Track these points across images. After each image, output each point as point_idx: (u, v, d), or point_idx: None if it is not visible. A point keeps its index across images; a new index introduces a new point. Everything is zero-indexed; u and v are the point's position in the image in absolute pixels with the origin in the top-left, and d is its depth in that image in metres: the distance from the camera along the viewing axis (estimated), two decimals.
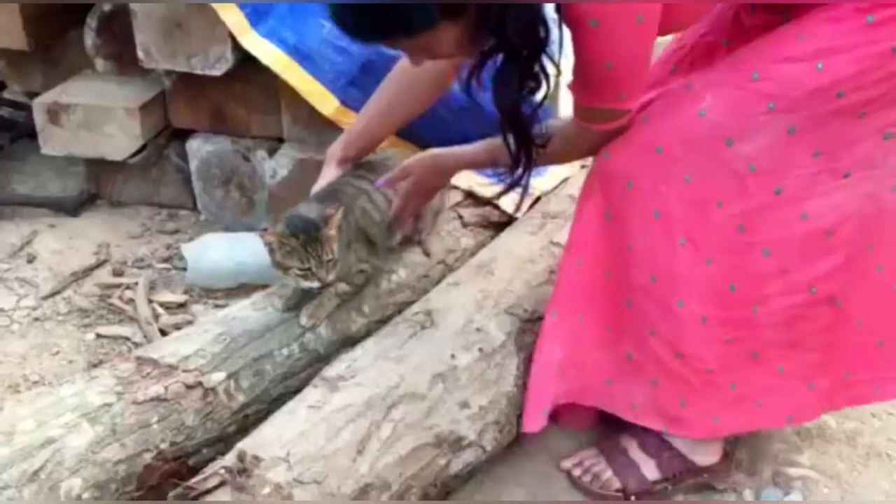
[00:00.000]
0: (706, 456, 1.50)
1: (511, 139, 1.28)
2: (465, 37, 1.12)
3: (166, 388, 1.35)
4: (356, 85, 1.97)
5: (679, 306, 1.32)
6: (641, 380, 1.41)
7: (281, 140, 2.16)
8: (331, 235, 1.43)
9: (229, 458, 1.18)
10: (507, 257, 1.74)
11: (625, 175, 1.32)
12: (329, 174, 1.65)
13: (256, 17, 1.96)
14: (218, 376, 1.40)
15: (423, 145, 2.07)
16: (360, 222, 1.58)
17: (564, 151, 1.44)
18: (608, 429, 1.57)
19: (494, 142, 1.39)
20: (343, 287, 1.55)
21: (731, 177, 1.25)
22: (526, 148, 1.29)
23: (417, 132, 2.05)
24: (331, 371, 1.39)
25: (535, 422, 1.45)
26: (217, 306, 1.93)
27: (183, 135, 2.26)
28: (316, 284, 1.44)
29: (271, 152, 2.15)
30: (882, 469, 1.58)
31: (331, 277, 1.44)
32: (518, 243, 1.82)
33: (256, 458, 1.17)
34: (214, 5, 1.90)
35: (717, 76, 1.27)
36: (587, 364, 1.46)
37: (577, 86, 1.26)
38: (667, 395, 1.40)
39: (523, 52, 1.15)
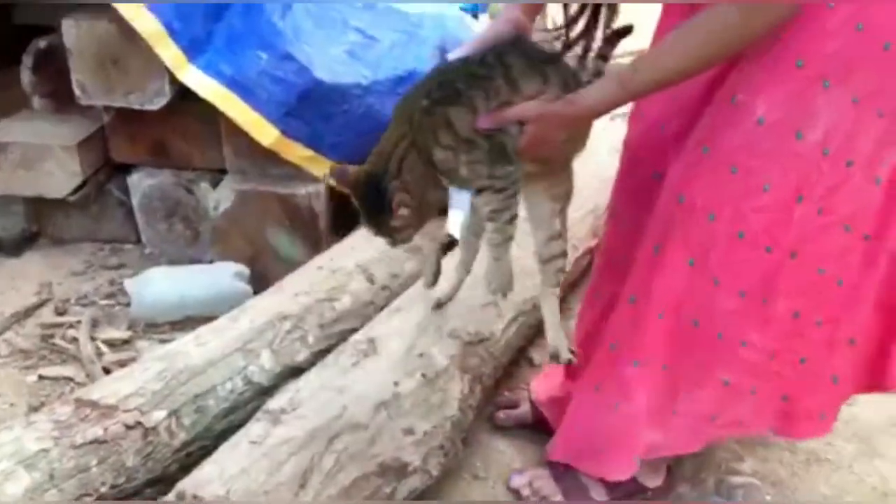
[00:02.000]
0: (653, 478, 1.51)
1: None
2: None
3: (105, 429, 1.33)
4: (295, 115, 1.99)
5: (764, 303, 1.28)
6: (742, 396, 1.36)
7: (223, 171, 2.16)
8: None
9: (170, 499, 1.18)
10: (449, 282, 1.76)
11: (706, 209, 1.25)
12: (496, 27, 1.36)
13: (193, 50, 1.96)
14: (158, 415, 1.39)
15: (344, 161, 2.11)
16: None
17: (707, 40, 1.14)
18: None
19: (614, 69, 1.20)
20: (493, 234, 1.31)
21: (808, 168, 1.20)
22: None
23: (356, 157, 2.06)
24: (273, 404, 1.39)
25: (625, 468, 1.44)
26: (163, 341, 1.92)
27: (124, 169, 2.25)
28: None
29: (214, 184, 2.15)
30: (822, 473, 1.62)
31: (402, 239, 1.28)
32: None
33: (196, 498, 1.17)
34: (149, 41, 1.90)
35: (759, 78, 1.20)
36: (680, 411, 1.39)
37: None
38: (769, 397, 1.36)
39: None
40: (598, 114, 1.20)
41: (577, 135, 1.29)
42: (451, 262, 1.64)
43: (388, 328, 1.59)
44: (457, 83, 1.20)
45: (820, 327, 1.29)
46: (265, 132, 1.97)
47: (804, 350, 1.31)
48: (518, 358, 1.89)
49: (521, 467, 1.61)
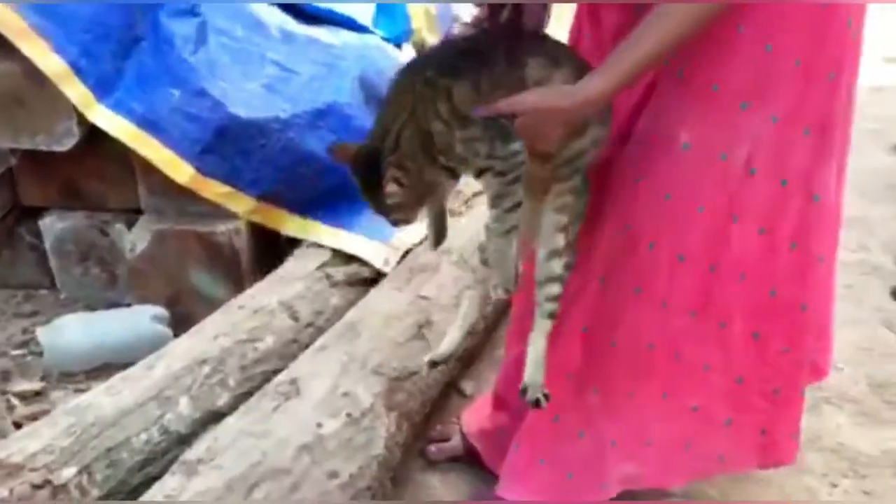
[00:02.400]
0: None
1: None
2: None
3: (11, 490, 1.26)
4: (211, 151, 1.94)
5: (722, 326, 1.28)
6: (716, 426, 1.35)
7: (139, 211, 2.09)
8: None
9: None
10: (374, 316, 1.73)
11: (646, 238, 1.27)
12: None
13: (102, 89, 1.92)
14: (68, 472, 1.32)
15: (285, 206, 2.08)
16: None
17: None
18: (485, 484, 1.56)
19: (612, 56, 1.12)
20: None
21: (737, 188, 1.21)
22: None
23: (277, 193, 2.03)
24: (190, 454, 1.34)
25: (594, 495, 1.41)
26: (78, 391, 1.84)
27: (35, 212, 2.17)
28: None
29: (129, 224, 2.09)
30: (752, 492, 1.63)
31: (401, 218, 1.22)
32: (385, 300, 1.81)
33: None
34: (55, 81, 1.84)
35: (679, 106, 1.22)
36: (654, 441, 1.38)
37: None
38: (748, 431, 1.35)
39: None
40: (596, 106, 1.13)
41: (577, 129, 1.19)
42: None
43: (311, 368, 1.55)
44: (463, 59, 1.15)
45: (787, 354, 1.31)
46: (180, 170, 1.92)
47: (776, 379, 1.32)
48: (448, 390, 1.86)
49: None
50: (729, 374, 1.31)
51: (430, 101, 1.14)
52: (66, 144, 1.94)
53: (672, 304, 1.27)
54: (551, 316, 1.27)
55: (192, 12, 1.98)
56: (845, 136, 1.29)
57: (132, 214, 2.11)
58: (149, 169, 1.96)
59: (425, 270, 1.93)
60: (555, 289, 1.26)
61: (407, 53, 2.53)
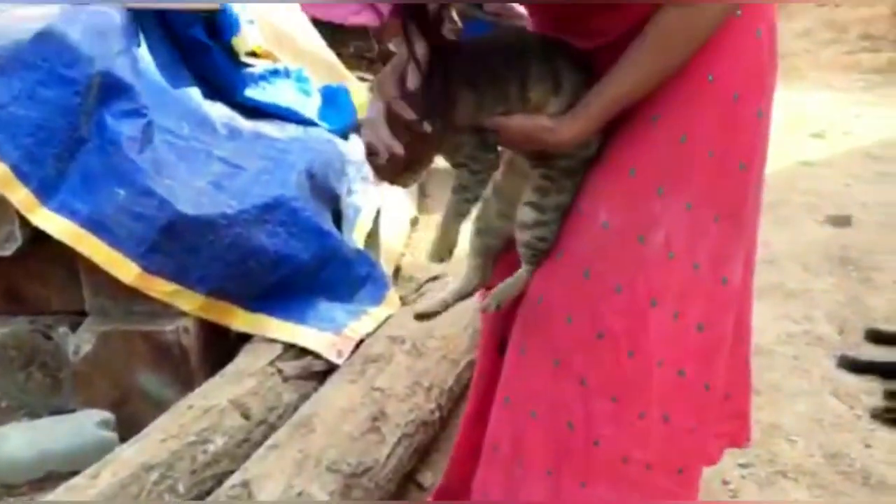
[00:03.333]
0: None
1: (413, 32, 1.15)
2: None
3: None
4: (158, 249, 1.93)
5: (642, 418, 1.27)
6: None
7: (83, 313, 2.05)
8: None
9: None
10: (328, 410, 1.71)
11: (563, 311, 1.26)
12: None
13: (45, 192, 1.90)
14: None
15: (234, 302, 2.06)
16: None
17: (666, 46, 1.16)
18: None
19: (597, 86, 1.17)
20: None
21: (655, 271, 1.23)
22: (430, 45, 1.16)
23: (226, 289, 2.02)
24: None
25: None
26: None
27: None
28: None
29: (74, 327, 2.04)
30: None
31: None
32: (339, 393, 1.79)
33: None
34: None
35: (600, 186, 1.25)
36: None
37: None
38: None
39: None
40: (575, 144, 1.21)
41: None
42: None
43: (264, 468, 1.52)
44: (485, 73, 1.19)
45: (693, 433, 1.30)
46: (125, 270, 1.90)
47: (679, 460, 1.31)
48: (406, 483, 1.83)
49: None
50: (643, 464, 1.29)
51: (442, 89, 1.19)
52: (9, 249, 1.90)
53: (592, 384, 1.26)
54: (532, 265, 1.31)
55: (138, 113, 1.99)
56: (754, 223, 1.34)
57: (76, 316, 2.06)
58: (93, 270, 1.93)
59: (378, 361, 1.92)
60: (526, 254, 1.30)
61: (353, 145, 2.56)
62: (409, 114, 1.17)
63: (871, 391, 2.16)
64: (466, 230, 1.34)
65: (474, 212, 1.34)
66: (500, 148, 1.26)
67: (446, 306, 1.41)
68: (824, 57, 5.69)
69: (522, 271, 1.32)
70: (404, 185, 1.31)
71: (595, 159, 1.25)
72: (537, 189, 1.25)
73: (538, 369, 1.29)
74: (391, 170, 1.23)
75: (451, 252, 1.31)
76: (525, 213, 1.27)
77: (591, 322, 1.25)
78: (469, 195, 1.27)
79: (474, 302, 2.04)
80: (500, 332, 1.43)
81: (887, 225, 3.16)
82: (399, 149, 1.18)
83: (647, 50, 1.14)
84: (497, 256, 1.40)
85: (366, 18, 1.14)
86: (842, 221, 3.19)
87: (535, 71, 1.19)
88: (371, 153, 1.20)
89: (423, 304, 1.44)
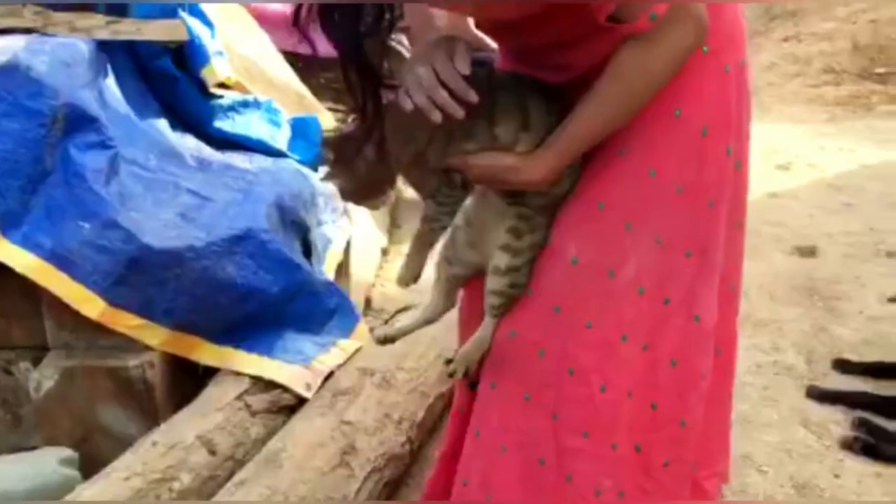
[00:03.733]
0: None
1: (356, 83, 1.13)
2: None
3: None
4: (123, 283, 1.90)
5: (614, 449, 1.26)
6: None
7: (46, 348, 2.01)
8: None
9: None
10: (297, 445, 1.69)
11: (536, 345, 1.26)
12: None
13: (8, 225, 1.87)
14: None
15: (201, 335, 2.03)
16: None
17: (630, 88, 1.14)
18: None
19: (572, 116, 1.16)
20: None
21: (625, 306, 1.22)
22: (374, 93, 1.14)
23: (192, 322, 1.99)
24: None
25: None
26: None
27: None
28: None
29: (36, 362, 1.99)
30: None
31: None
32: (308, 427, 1.77)
33: None
34: None
35: (569, 220, 1.25)
36: None
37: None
38: None
39: None
40: (544, 183, 1.19)
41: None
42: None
43: None
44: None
45: (668, 468, 1.29)
46: (90, 304, 1.87)
47: (657, 494, 1.30)
48: None
49: None
50: (615, 492, 1.28)
51: (407, 126, 1.19)
52: None
53: (563, 419, 1.25)
54: (496, 317, 1.30)
55: (104, 144, 1.97)
56: (733, 260, 1.33)
57: (38, 351, 2.02)
58: (57, 304, 1.89)
59: (348, 393, 1.90)
60: (495, 301, 1.28)
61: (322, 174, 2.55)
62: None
63: (839, 421, 2.17)
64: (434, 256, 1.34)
65: (442, 239, 1.34)
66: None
67: (409, 331, 1.40)
68: (789, 90, 5.79)
69: (487, 325, 1.30)
70: (373, 207, 1.32)
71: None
72: (511, 230, 1.25)
73: (509, 403, 1.28)
74: (356, 189, 1.25)
75: (417, 277, 1.31)
76: (499, 258, 1.25)
77: (562, 357, 1.24)
78: (437, 225, 1.27)
79: (442, 332, 2.04)
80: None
81: (851, 255, 3.20)
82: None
83: (608, 89, 1.14)
84: (463, 283, 1.39)
85: (303, 49, 1.14)
86: (808, 252, 3.23)
87: (503, 107, 1.19)
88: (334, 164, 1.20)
89: (385, 329, 1.43)
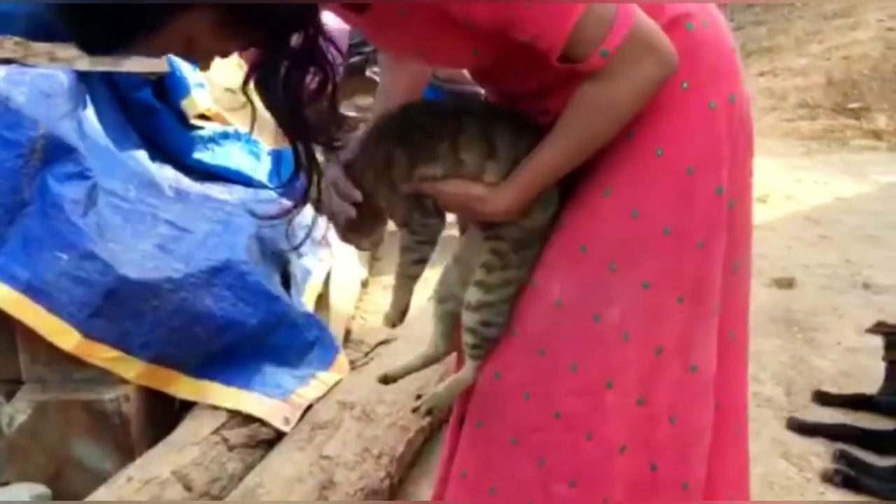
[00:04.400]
0: None
1: (300, 147, 1.11)
2: (221, 22, 0.98)
3: None
4: (100, 315, 1.88)
5: (605, 502, 1.20)
6: None
7: (20, 382, 1.97)
8: None
9: None
10: (275, 480, 1.66)
11: (521, 387, 1.21)
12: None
13: None
14: None
15: (178, 368, 2.01)
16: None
17: (593, 123, 1.11)
18: None
19: (542, 145, 1.14)
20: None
21: (610, 351, 1.17)
22: (310, 158, 1.12)
23: (170, 355, 1.96)
24: None
25: None
26: None
27: None
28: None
29: (9, 396, 1.96)
30: None
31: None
32: (286, 462, 1.75)
33: None
34: None
35: (551, 262, 1.21)
36: None
37: (541, 43, 1.05)
38: None
39: (294, 30, 1.02)
40: (510, 214, 1.17)
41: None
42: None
43: None
44: (417, 131, 1.19)
45: None
46: (66, 336, 1.84)
47: None
48: None
49: None
50: None
51: (372, 154, 1.20)
52: None
53: (550, 465, 1.21)
54: (475, 358, 1.26)
55: (83, 175, 1.95)
56: (733, 305, 1.25)
57: (12, 384, 1.98)
58: (31, 336, 1.87)
59: (327, 427, 1.88)
60: (468, 338, 1.25)
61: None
62: (345, 191, 1.18)
63: (820, 454, 2.18)
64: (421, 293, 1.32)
65: (437, 277, 1.33)
66: (448, 215, 1.24)
67: (412, 370, 1.37)
68: (765, 124, 5.88)
69: (468, 368, 1.27)
70: (366, 248, 1.32)
71: (551, 231, 1.22)
72: (484, 266, 1.23)
73: (495, 445, 1.25)
74: (351, 231, 1.24)
75: (403, 315, 1.28)
76: (471, 294, 1.23)
77: (547, 401, 1.20)
78: (414, 256, 1.24)
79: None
80: (462, 406, 1.36)
81: (828, 287, 3.23)
82: (351, 211, 1.18)
83: (569, 123, 1.11)
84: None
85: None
86: (786, 284, 3.26)
87: (467, 133, 1.18)
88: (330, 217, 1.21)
89: (389, 368, 1.37)
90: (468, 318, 1.23)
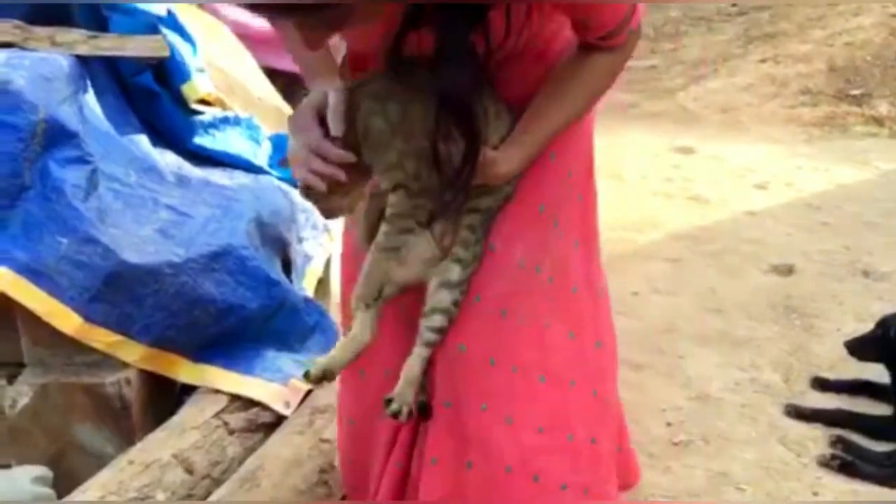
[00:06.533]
0: None
1: (454, 143, 1.14)
2: None
3: None
4: (101, 299, 1.88)
5: (570, 440, 1.32)
6: None
7: (21, 365, 1.98)
8: None
9: None
10: (274, 463, 1.68)
11: (485, 355, 1.27)
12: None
13: None
14: None
15: (179, 352, 2.01)
16: None
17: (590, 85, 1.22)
18: None
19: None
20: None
21: (569, 304, 1.34)
22: (473, 151, 1.13)
23: (170, 339, 1.97)
24: None
25: None
26: None
27: None
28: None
29: (10, 379, 1.97)
30: None
31: None
32: (286, 446, 1.76)
33: None
34: None
35: (512, 225, 1.28)
36: None
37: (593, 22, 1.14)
38: None
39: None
40: (508, 178, 1.24)
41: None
42: None
43: None
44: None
45: (616, 455, 1.43)
46: (66, 320, 1.85)
47: (611, 481, 1.40)
48: None
49: None
50: (581, 488, 1.32)
51: (383, 98, 1.17)
52: None
53: (517, 420, 1.28)
54: (428, 345, 1.28)
55: (83, 160, 1.95)
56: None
57: (13, 368, 1.99)
58: (32, 320, 1.87)
59: (326, 411, 1.89)
60: (438, 320, 1.26)
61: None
62: (335, 153, 1.16)
63: (817, 439, 2.19)
64: None
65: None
66: None
67: (346, 363, 1.27)
68: (766, 110, 5.86)
69: (417, 357, 1.27)
70: (343, 214, 1.30)
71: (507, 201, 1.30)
72: (462, 242, 1.25)
73: (468, 418, 1.29)
74: (330, 202, 1.23)
75: (380, 294, 1.25)
76: (451, 272, 1.25)
77: (509, 359, 1.28)
78: (402, 224, 1.21)
79: None
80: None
81: (828, 274, 3.23)
82: (341, 174, 1.16)
83: (578, 88, 1.21)
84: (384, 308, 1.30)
85: (285, 65, 1.19)
86: (785, 270, 3.26)
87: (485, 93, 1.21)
88: (307, 188, 1.19)
89: (318, 365, 1.25)
90: (445, 297, 1.25)
